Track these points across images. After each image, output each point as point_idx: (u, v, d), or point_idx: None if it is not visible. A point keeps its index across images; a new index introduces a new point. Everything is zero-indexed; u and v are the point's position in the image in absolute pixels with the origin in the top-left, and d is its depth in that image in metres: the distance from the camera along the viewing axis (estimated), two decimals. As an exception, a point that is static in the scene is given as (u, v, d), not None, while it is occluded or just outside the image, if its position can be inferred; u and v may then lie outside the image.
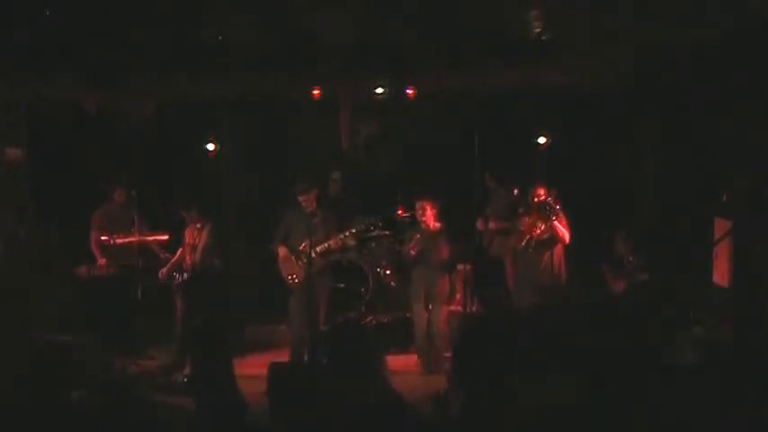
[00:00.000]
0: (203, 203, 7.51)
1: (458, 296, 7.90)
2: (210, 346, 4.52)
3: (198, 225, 7.32)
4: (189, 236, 7.38)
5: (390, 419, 3.53)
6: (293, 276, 7.04)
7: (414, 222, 7.97)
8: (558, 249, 7.16)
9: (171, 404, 6.05)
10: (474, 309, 7.78)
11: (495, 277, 8.38)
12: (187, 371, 6.63)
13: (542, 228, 7.04)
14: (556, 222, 6.90)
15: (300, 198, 7.03)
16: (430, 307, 7.29)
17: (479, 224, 8.30)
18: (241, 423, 4.18)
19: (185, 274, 7.30)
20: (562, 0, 6.58)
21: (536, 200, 7.13)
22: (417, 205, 7.34)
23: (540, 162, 9.43)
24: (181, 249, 7.49)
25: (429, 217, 7.25)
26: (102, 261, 7.94)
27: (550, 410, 3.23)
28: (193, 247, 7.29)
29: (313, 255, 6.89)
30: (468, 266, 7.65)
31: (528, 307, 7.05)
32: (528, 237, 7.10)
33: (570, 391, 3.61)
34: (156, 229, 8.08)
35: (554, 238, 7.05)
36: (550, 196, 7.11)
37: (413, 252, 7.21)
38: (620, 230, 7.89)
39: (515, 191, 8.27)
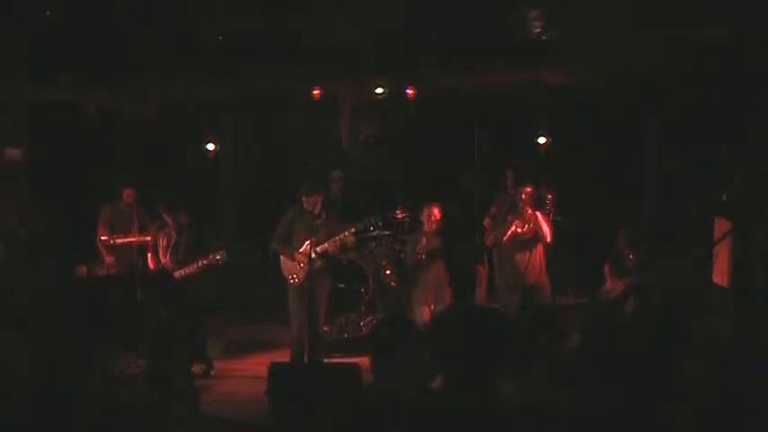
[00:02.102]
0: (181, 207, 7.38)
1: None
2: (168, 344, 4.51)
3: (174, 227, 7.24)
4: (163, 238, 7.30)
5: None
6: (293, 276, 7.03)
7: (414, 223, 7.96)
8: (540, 249, 7.18)
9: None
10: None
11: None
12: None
13: (527, 226, 7.08)
14: (540, 218, 6.92)
15: (305, 199, 7.00)
16: (432, 307, 7.30)
17: (487, 222, 8.33)
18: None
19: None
20: (562, 0, 6.59)
21: (523, 197, 7.14)
22: (426, 210, 7.30)
23: (540, 162, 9.44)
24: (151, 253, 7.40)
25: (436, 221, 7.25)
26: (109, 259, 7.97)
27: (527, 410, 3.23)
28: (174, 249, 7.23)
29: (313, 255, 6.88)
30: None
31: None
32: (512, 231, 7.12)
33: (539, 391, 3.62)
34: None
35: (537, 237, 7.08)
36: (539, 194, 7.14)
37: (423, 257, 7.21)
38: (622, 228, 7.88)
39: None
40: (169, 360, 4.39)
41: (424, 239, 7.27)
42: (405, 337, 3.77)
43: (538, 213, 7.00)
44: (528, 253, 7.15)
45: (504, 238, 7.17)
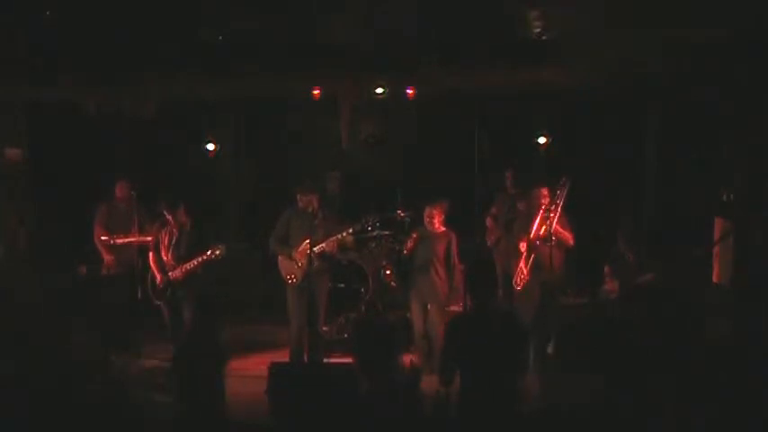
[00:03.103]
0: (181, 206, 7.35)
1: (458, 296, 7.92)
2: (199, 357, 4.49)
3: (176, 225, 7.22)
4: (165, 236, 7.29)
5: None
6: (291, 276, 7.04)
7: (414, 223, 7.97)
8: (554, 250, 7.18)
9: (170, 404, 6.06)
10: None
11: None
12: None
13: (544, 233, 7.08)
14: (559, 230, 6.92)
15: (300, 198, 7.02)
16: (428, 307, 7.30)
17: (488, 222, 8.32)
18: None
19: (169, 275, 7.20)
20: (562, 0, 6.60)
21: (541, 201, 7.11)
22: (427, 211, 7.30)
23: (540, 162, 9.44)
24: (152, 252, 7.38)
25: (437, 223, 7.25)
26: (109, 259, 7.97)
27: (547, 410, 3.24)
28: (176, 246, 7.22)
29: (312, 255, 6.88)
30: (465, 266, 7.64)
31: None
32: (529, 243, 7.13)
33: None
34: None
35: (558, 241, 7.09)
36: (554, 201, 7.11)
37: (406, 251, 7.23)
38: (622, 228, 7.89)
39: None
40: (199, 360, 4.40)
41: (414, 236, 7.29)
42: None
43: (560, 229, 6.99)
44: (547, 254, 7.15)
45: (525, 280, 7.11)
